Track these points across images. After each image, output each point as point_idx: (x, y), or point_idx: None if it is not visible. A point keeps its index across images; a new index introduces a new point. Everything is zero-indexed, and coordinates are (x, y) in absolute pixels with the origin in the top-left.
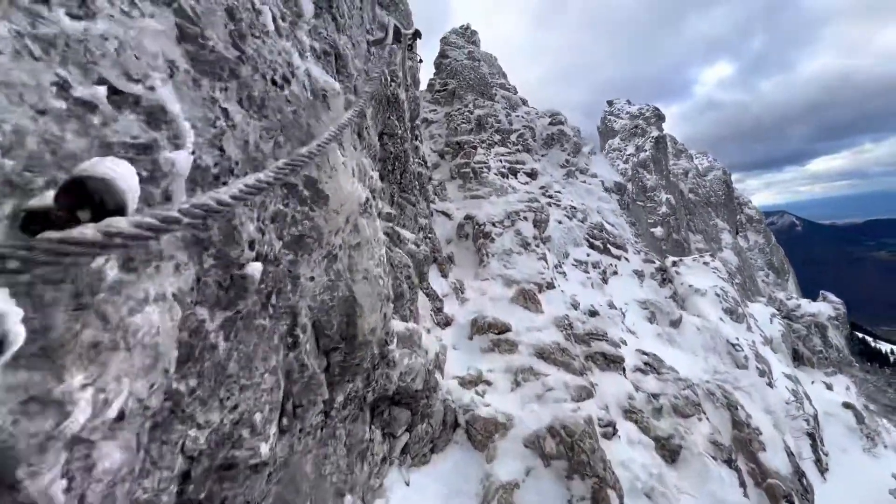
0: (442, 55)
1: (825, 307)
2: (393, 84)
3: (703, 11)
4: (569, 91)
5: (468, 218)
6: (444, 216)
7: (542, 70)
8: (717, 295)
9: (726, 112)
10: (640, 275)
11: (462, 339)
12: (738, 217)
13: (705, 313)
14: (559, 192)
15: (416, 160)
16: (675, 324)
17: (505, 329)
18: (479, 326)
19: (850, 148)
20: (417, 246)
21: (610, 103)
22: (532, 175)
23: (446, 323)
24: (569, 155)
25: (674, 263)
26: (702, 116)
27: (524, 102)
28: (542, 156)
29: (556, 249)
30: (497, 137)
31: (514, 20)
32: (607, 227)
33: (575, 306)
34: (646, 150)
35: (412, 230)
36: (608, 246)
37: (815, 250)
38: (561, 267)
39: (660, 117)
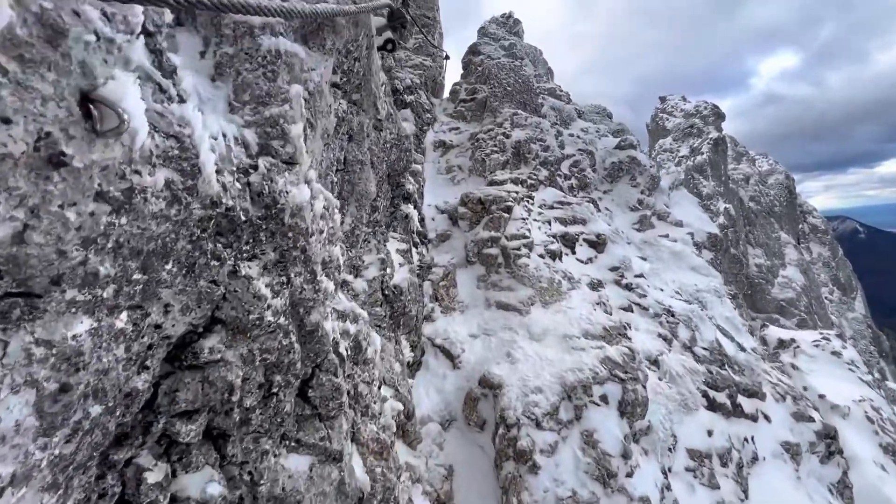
0: (472, 51)
1: None
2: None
3: None
4: (610, 83)
5: (487, 387)
6: (444, 356)
7: (580, 60)
8: (869, 419)
9: (787, 107)
10: (793, 452)
11: None
12: (801, 227)
13: (855, 453)
14: (641, 274)
15: (401, 258)
16: None
17: None
18: None
19: None
20: None
21: (662, 99)
22: (598, 245)
23: None
24: (642, 192)
25: (782, 343)
26: (759, 112)
27: (579, 114)
28: (605, 192)
29: (660, 446)
30: (543, 173)
31: (550, 6)
32: (727, 346)
33: None
34: (702, 153)
35: None
36: (737, 399)
37: (880, 259)
38: (668, 487)
39: (719, 116)
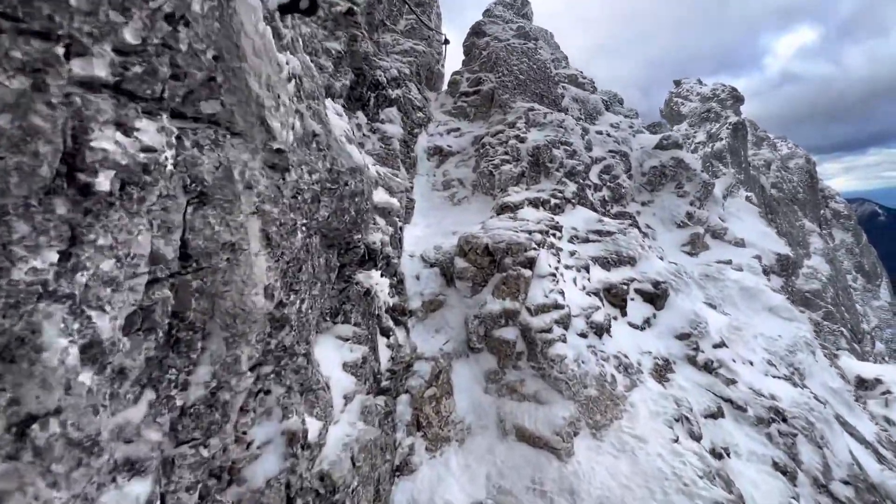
0: (476, 32)
1: None
2: None
3: None
4: (617, 66)
5: None
6: None
7: (584, 42)
8: None
9: (804, 87)
10: None
11: None
12: (823, 212)
13: None
14: (722, 342)
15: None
16: None
17: None
18: None
19: None
20: None
21: (677, 83)
22: (657, 298)
23: None
24: (692, 203)
25: (863, 383)
26: (774, 93)
27: (607, 106)
28: (645, 204)
29: None
30: (570, 188)
31: None
32: (866, 462)
33: None
34: (721, 139)
35: None
36: None
37: None
38: None
39: (737, 99)
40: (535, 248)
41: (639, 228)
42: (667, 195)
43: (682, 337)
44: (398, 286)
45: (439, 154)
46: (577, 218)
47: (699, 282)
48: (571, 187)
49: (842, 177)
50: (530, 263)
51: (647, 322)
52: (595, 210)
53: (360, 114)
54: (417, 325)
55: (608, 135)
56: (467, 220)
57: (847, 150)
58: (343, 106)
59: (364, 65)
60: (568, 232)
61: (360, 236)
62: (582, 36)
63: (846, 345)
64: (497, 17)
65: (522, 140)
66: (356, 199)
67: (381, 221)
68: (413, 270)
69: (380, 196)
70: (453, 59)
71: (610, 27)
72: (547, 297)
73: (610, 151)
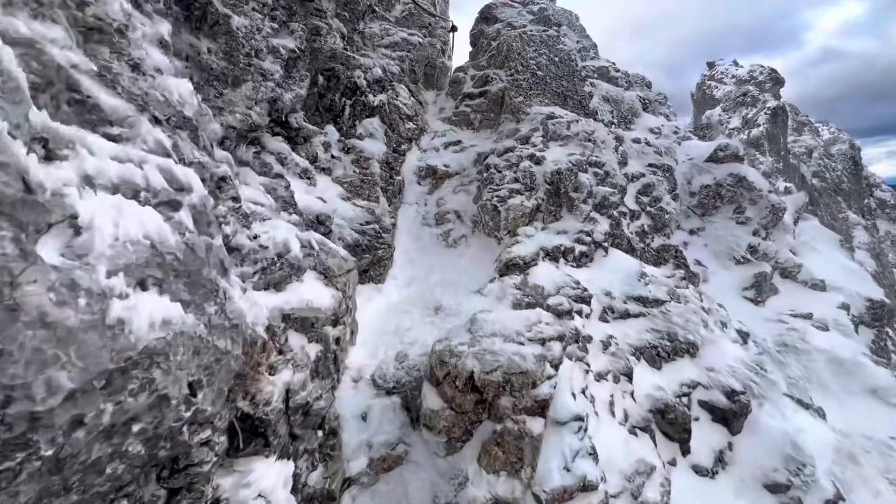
0: (485, 17)
1: None
2: None
3: None
4: (643, 47)
5: None
6: None
7: (608, 23)
8: None
9: (846, 65)
10: None
11: None
12: (867, 202)
13: None
14: (839, 496)
15: None
16: None
17: None
18: None
19: None
20: None
21: (710, 65)
22: (733, 417)
23: None
24: (756, 233)
25: None
26: (812, 72)
27: (646, 104)
28: (693, 232)
29: None
30: (601, 226)
31: None
32: None
33: None
34: (759, 125)
35: None
36: None
37: None
38: None
39: (777, 82)
40: (551, 375)
41: (687, 267)
42: (722, 221)
43: (775, 489)
44: (326, 442)
45: (433, 176)
46: (612, 272)
47: (776, 355)
48: (603, 225)
49: (885, 161)
50: (540, 408)
51: (720, 460)
52: (633, 249)
53: (330, 128)
54: (360, 496)
55: (647, 143)
56: (462, 275)
57: (890, 133)
58: (304, 119)
59: (336, 64)
60: (600, 301)
61: (208, 433)
62: (603, 14)
63: (892, 346)
64: None
65: (538, 161)
66: (168, 440)
67: (296, 343)
68: (357, 406)
69: (304, 293)
70: (464, 51)
71: (631, 9)
72: (569, 468)
73: (649, 166)
